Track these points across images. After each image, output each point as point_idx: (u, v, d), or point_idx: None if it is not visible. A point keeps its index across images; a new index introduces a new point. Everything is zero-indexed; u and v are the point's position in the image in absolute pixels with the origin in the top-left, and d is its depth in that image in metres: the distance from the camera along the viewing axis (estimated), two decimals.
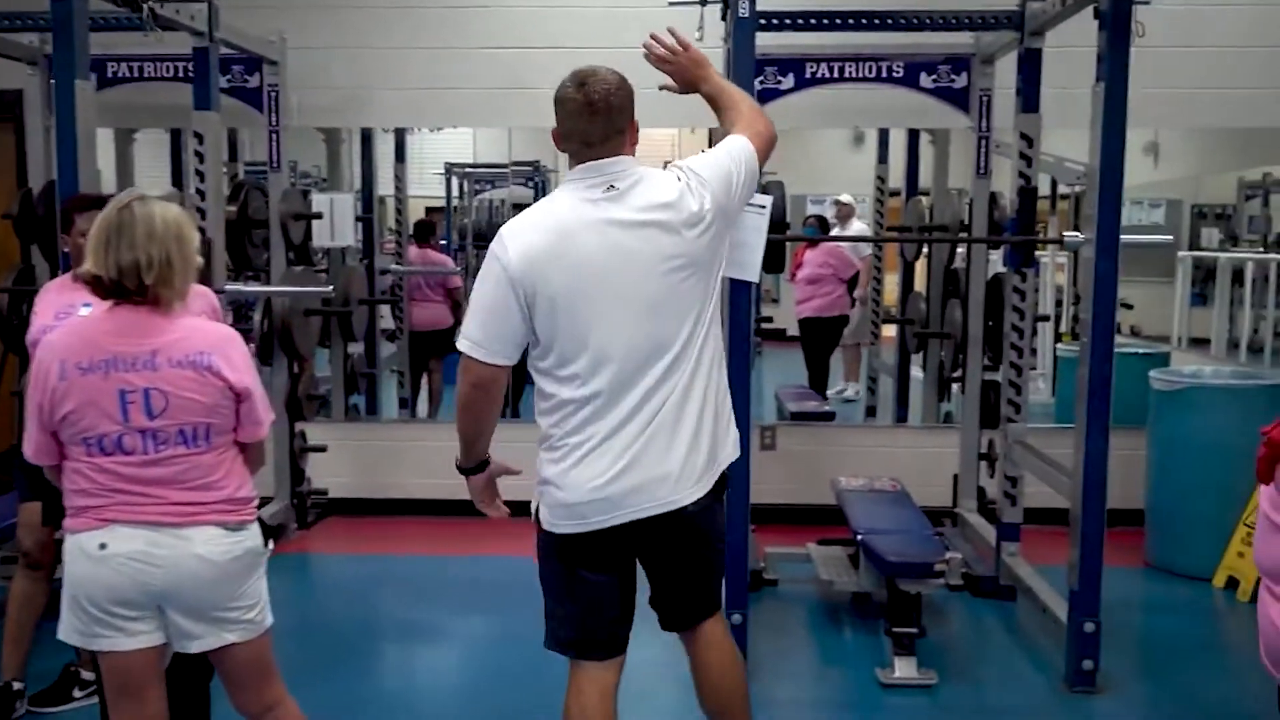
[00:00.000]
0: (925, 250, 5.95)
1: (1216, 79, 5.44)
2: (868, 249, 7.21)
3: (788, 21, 4.44)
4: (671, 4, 4.20)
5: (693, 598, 2.73)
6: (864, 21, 4.54)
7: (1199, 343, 7.85)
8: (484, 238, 8.78)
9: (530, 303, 2.42)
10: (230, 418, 2.45)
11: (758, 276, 3.57)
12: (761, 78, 4.74)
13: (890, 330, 6.70)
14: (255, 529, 2.50)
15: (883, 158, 6.82)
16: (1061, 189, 7.28)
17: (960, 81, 5.06)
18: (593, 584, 2.55)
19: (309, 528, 5.62)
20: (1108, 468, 3.70)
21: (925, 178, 6.43)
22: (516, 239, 2.44)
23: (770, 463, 5.53)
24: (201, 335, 2.42)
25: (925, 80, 5.07)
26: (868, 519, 4.23)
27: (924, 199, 6.10)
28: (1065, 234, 4.60)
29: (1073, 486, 3.75)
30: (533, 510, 2.61)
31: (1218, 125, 5.91)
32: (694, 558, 2.67)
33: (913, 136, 6.42)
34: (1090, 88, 3.66)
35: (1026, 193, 4.52)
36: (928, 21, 4.59)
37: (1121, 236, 3.66)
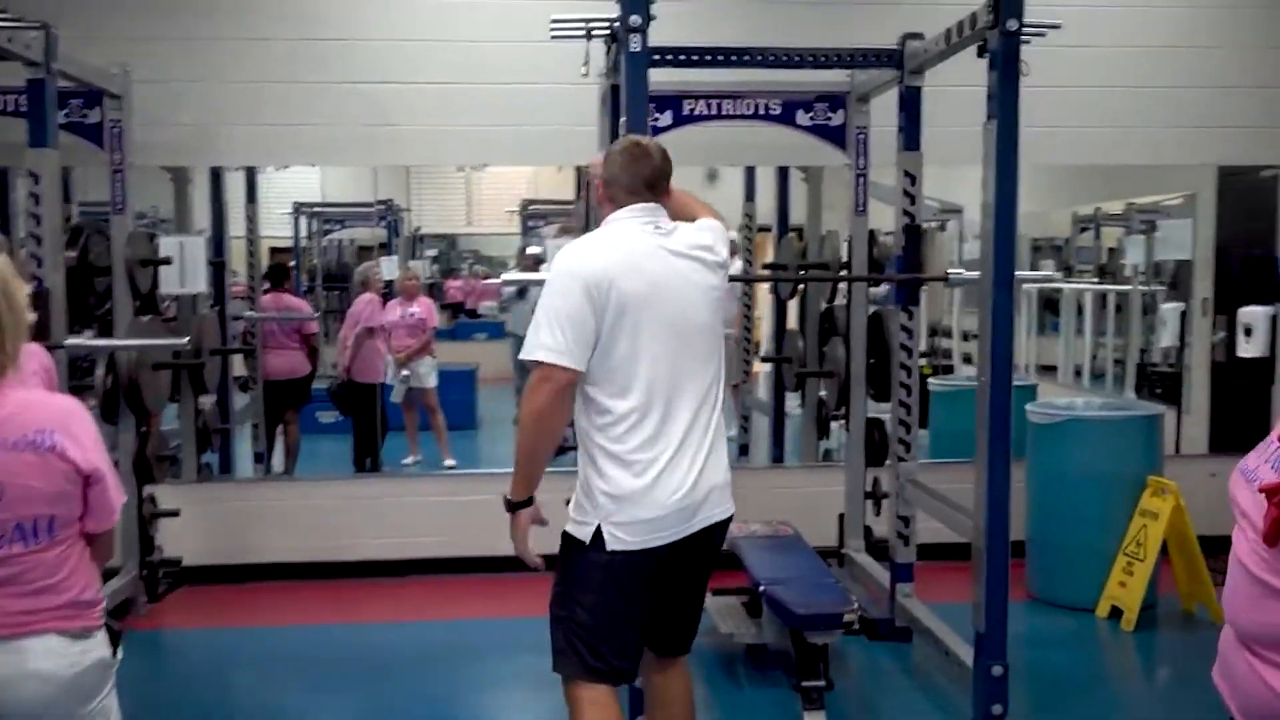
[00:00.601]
0: (800, 288, 5.91)
1: (1058, 118, 5.56)
2: (737, 288, 7.15)
3: (681, 58, 4.33)
4: (555, 38, 4.06)
5: (694, 618, 2.93)
6: (747, 59, 4.47)
7: (1045, 370, 8.09)
8: (335, 279, 8.45)
9: (601, 313, 2.56)
10: (76, 505, 2.08)
11: None
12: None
13: (759, 367, 6.65)
14: (103, 636, 2.15)
15: (750, 195, 6.78)
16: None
17: (837, 119, 5.04)
18: (641, 608, 2.68)
19: (160, 600, 5.17)
20: (1009, 505, 3.67)
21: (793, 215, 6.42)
22: (587, 254, 2.64)
23: None
24: (41, 410, 2.06)
25: (802, 118, 5.04)
26: (767, 568, 4.10)
27: (795, 237, 6.07)
28: (950, 271, 4.65)
29: (975, 526, 3.69)
30: (586, 535, 2.63)
31: (1059, 163, 6.05)
32: (708, 575, 2.90)
33: (783, 174, 6.40)
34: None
35: (912, 230, 4.51)
36: (810, 59, 4.54)
37: (1018, 273, 3.64)
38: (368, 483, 5.93)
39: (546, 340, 2.55)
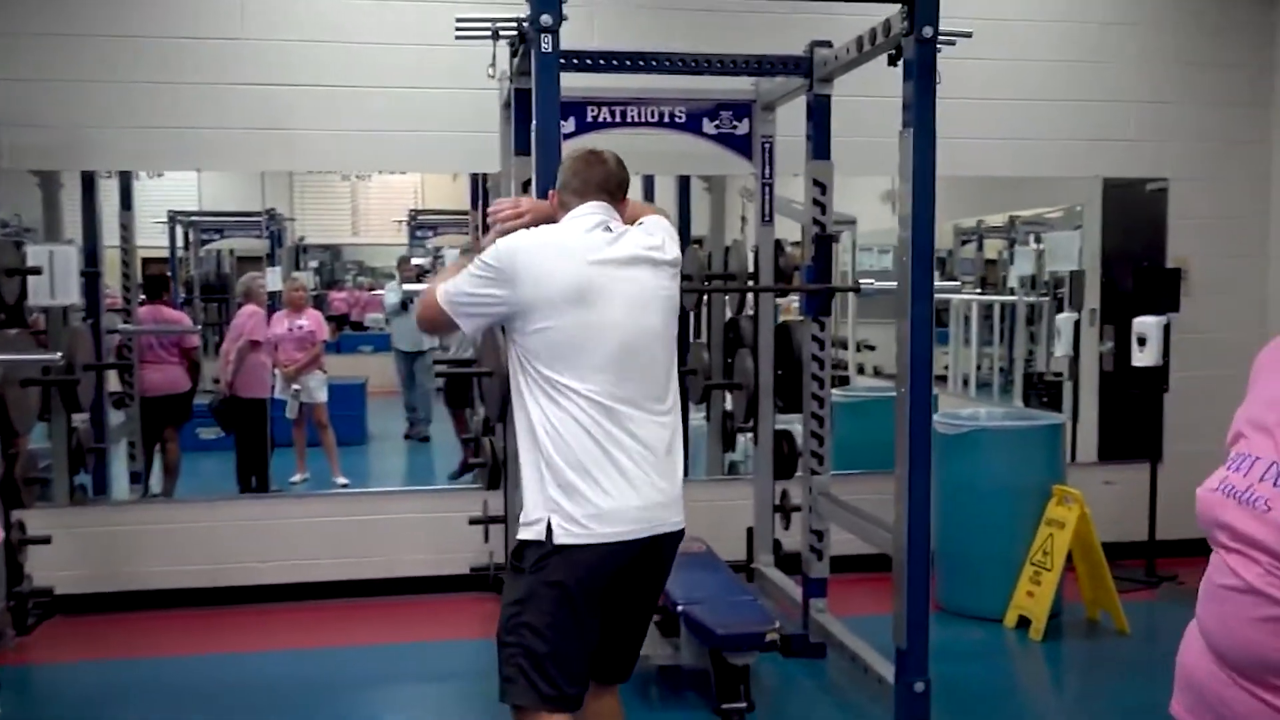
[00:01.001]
0: (705, 299, 5.82)
1: (943, 130, 5.53)
2: None
3: (589, 62, 4.20)
4: (459, 38, 3.89)
5: (638, 642, 2.83)
6: (655, 64, 4.37)
7: (934, 379, 8.18)
8: (214, 291, 8.09)
9: (526, 307, 2.52)
10: None
11: None
12: None
13: None
14: None
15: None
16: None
17: (742, 128, 4.96)
18: (592, 629, 2.58)
19: (30, 633, 4.83)
20: (930, 519, 3.62)
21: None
22: (524, 244, 2.58)
23: None
24: None
25: (708, 126, 4.95)
26: (683, 587, 3.98)
27: (698, 247, 5.99)
28: (862, 281, 4.61)
29: (896, 541, 3.64)
30: (539, 533, 2.52)
31: (945, 174, 6.03)
32: (656, 595, 2.82)
33: (684, 184, 6.31)
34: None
35: (823, 240, 4.46)
36: (718, 65, 4.47)
37: (936, 284, 3.60)
38: (255, 503, 5.63)
39: (452, 287, 2.61)
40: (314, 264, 9.52)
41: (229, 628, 5.11)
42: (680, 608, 3.81)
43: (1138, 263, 6.17)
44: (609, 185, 2.72)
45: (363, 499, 5.75)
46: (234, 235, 7.91)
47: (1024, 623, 4.90)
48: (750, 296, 5.23)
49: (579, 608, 2.53)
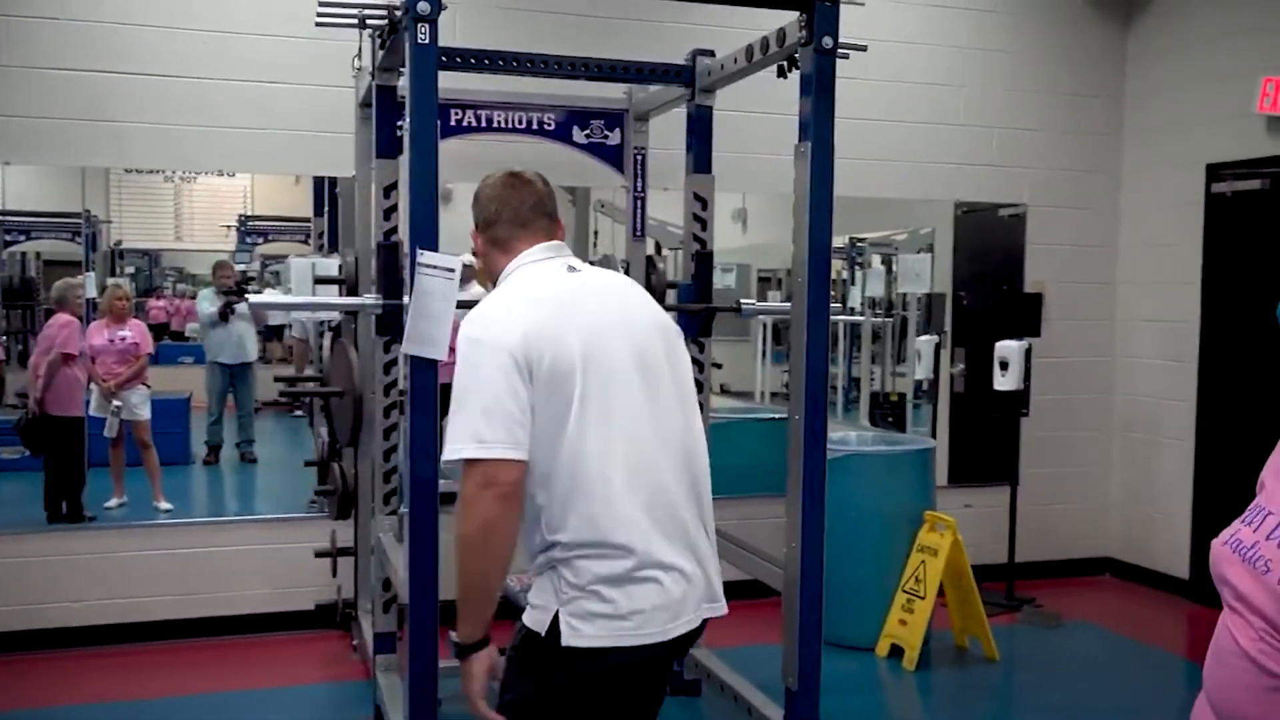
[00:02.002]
0: None
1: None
2: None
3: (456, 60, 3.90)
4: (320, 24, 3.55)
5: None
6: (531, 66, 4.11)
7: (777, 396, 8.16)
8: (17, 295, 7.40)
9: (535, 378, 2.05)
10: None
11: (444, 353, 3.01)
12: (401, 124, 4.14)
13: None
14: None
15: None
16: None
17: (614, 138, 4.75)
18: None
19: None
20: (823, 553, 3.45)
21: None
22: (505, 315, 2.12)
23: None
24: None
25: (578, 135, 4.72)
26: None
27: None
28: (742, 301, 4.45)
29: (788, 575, 3.45)
30: (546, 626, 2.06)
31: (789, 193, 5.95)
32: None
33: None
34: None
35: (703, 257, 4.27)
36: (596, 70, 4.24)
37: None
38: (69, 535, 5.07)
39: (468, 431, 2.01)
40: (130, 270, 8.86)
41: (39, 677, 4.56)
42: None
43: (990, 287, 6.24)
44: (544, 215, 2.35)
45: (192, 529, 5.26)
46: (42, 237, 7.25)
47: (896, 651, 4.82)
48: None
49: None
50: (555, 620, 2.05)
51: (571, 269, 2.29)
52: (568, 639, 2.04)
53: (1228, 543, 1.57)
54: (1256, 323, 5.57)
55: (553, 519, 2.09)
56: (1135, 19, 6.28)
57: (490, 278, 2.40)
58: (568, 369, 2.06)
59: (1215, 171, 5.82)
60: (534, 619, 2.09)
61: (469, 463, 2.01)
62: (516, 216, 2.33)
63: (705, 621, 2.24)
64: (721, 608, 2.27)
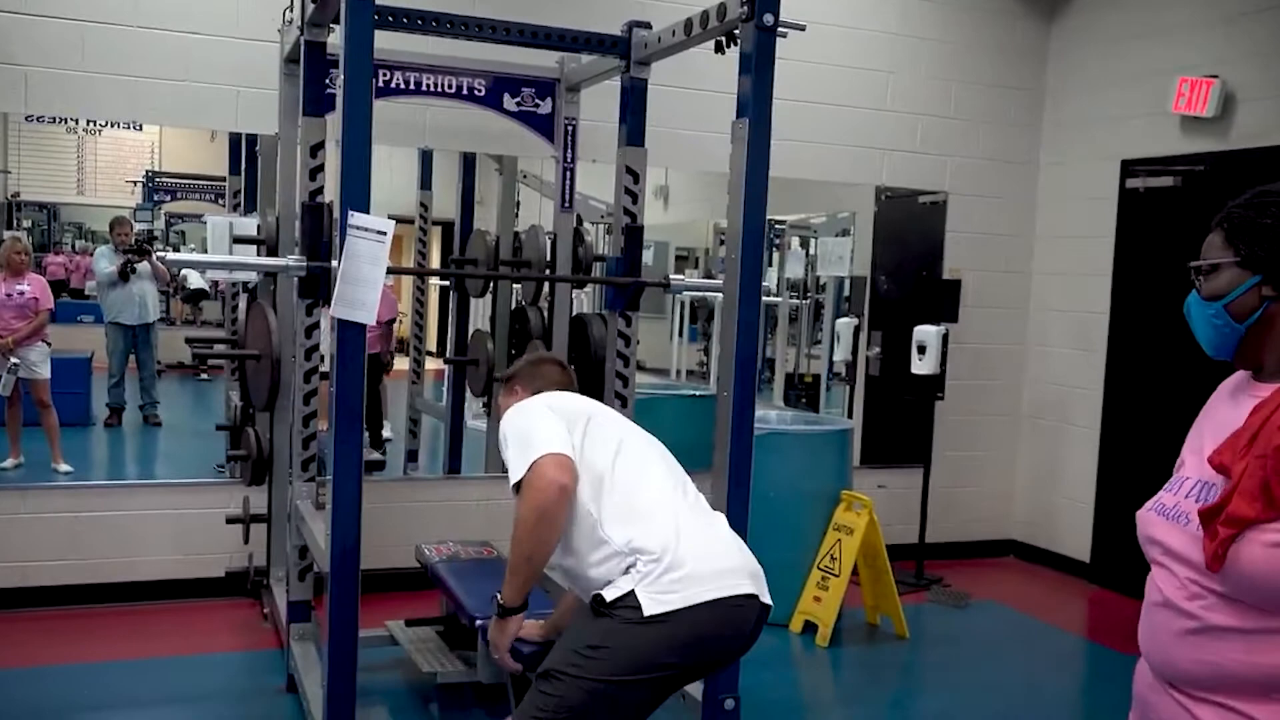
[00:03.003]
0: (491, 286, 5.51)
1: (715, 126, 5.31)
2: (408, 282, 6.66)
3: (389, 19, 3.78)
4: None
5: None
6: (464, 29, 4.01)
7: (693, 374, 8.21)
8: None
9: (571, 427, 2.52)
10: None
11: (374, 318, 2.95)
12: (330, 82, 4.03)
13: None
14: None
15: (426, 183, 6.29)
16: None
17: (545, 108, 4.70)
18: (654, 700, 2.41)
19: None
20: (747, 529, 3.46)
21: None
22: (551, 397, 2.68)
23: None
24: None
25: (509, 103, 4.66)
26: (478, 598, 3.66)
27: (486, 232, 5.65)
28: (670, 276, 4.43)
29: None
30: (614, 597, 2.32)
31: (712, 170, 5.93)
32: None
33: (468, 162, 5.95)
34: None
35: (633, 231, 4.24)
36: (531, 36, 4.16)
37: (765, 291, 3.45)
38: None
39: (541, 438, 2.41)
40: (27, 224, 8.54)
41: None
42: (480, 622, 3.50)
43: (908, 272, 6.32)
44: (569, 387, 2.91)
45: (94, 492, 5.08)
46: None
47: (810, 628, 4.88)
48: (546, 287, 4.96)
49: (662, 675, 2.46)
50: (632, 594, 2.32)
51: None
52: (649, 609, 2.29)
53: (1151, 508, 1.71)
54: (1164, 316, 5.73)
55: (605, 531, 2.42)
56: (1059, 15, 6.39)
57: None
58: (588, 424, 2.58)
59: (1129, 168, 5.96)
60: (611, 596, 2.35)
61: (532, 466, 2.35)
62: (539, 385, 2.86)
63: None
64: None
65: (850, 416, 6.28)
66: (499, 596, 2.49)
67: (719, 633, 2.42)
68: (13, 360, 5.73)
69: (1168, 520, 1.66)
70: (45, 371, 6.01)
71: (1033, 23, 6.40)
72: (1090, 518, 6.13)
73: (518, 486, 2.38)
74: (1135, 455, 5.90)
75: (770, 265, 7.66)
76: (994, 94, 6.33)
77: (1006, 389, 6.54)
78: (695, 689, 3.54)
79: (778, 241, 7.65)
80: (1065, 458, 6.33)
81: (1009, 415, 6.58)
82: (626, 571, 2.36)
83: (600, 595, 2.35)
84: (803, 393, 7.34)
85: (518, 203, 6.14)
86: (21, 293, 5.94)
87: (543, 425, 2.46)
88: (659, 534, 2.39)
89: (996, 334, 6.46)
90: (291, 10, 3.64)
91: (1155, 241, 5.83)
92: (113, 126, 6.91)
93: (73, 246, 9.19)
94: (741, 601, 2.41)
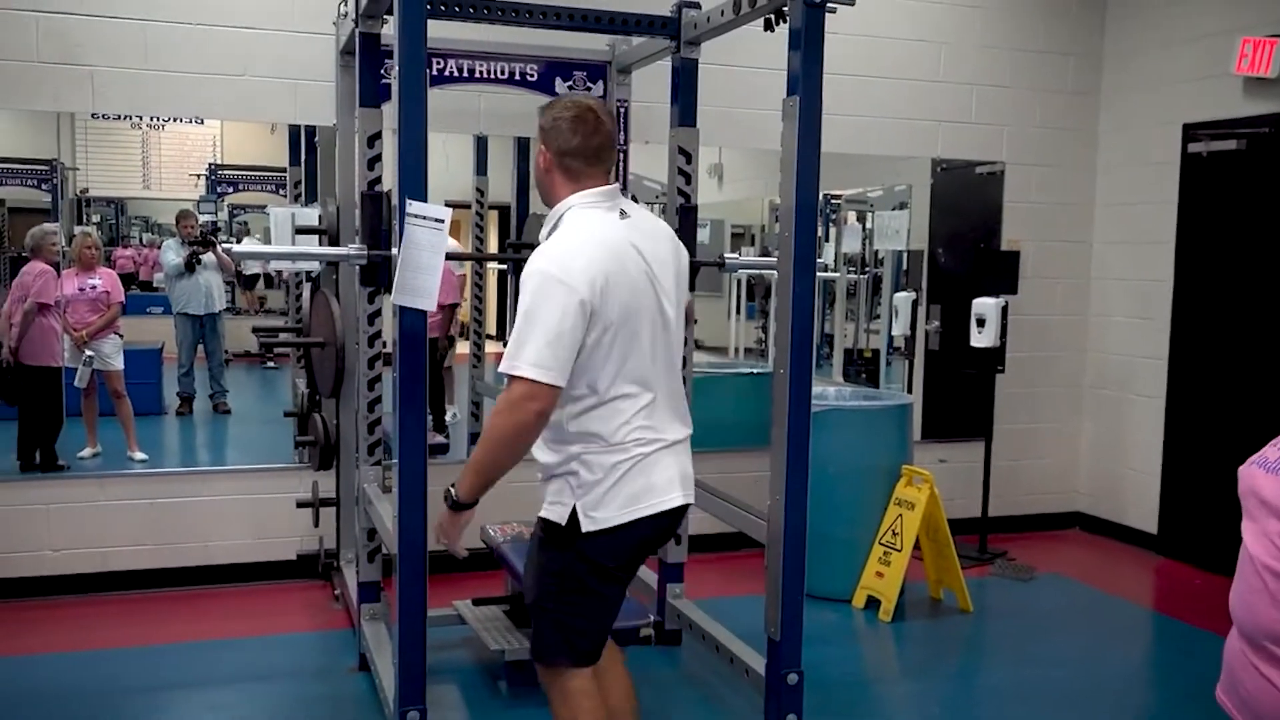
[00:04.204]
0: None
1: (771, 104, 5.40)
2: (461, 267, 6.73)
3: (441, 9, 3.83)
4: None
5: None
6: (515, 15, 4.05)
7: (750, 352, 8.21)
8: None
9: (593, 322, 2.46)
10: None
11: (434, 304, 3.00)
12: (385, 72, 4.10)
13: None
14: None
15: (481, 168, 6.36)
16: None
17: (597, 90, 4.75)
18: (618, 593, 2.69)
19: None
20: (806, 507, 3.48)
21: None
22: (578, 260, 2.45)
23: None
24: None
25: (561, 87, 4.72)
26: None
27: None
28: (726, 255, 4.45)
29: (771, 530, 3.48)
30: (563, 516, 2.56)
31: (767, 148, 5.93)
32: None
33: (522, 147, 6.01)
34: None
35: (687, 211, 4.26)
36: (579, 20, 4.18)
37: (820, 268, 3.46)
38: (46, 484, 5.03)
39: (534, 355, 2.40)
40: (96, 218, 8.75)
41: (18, 626, 4.55)
42: None
43: (966, 244, 6.27)
44: (611, 154, 2.66)
45: (170, 479, 5.23)
46: (6, 184, 7.14)
47: (872, 603, 4.89)
48: None
49: (612, 573, 2.68)
50: (574, 512, 2.54)
51: (624, 213, 2.62)
52: (586, 526, 2.54)
53: (1254, 462, 1.76)
54: (1229, 282, 5.65)
55: (572, 428, 2.54)
56: None
57: (547, 197, 2.73)
58: (613, 316, 2.49)
59: (1191, 132, 5.86)
60: (555, 513, 2.58)
61: (525, 379, 2.38)
62: (590, 152, 2.62)
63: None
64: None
65: (910, 391, 6.27)
66: (454, 490, 2.54)
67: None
68: (87, 353, 5.89)
69: (1268, 472, 1.70)
70: (119, 363, 6.17)
71: None
72: (1157, 488, 6.07)
73: (506, 375, 2.45)
74: (1202, 424, 5.82)
75: (827, 240, 7.65)
76: (1050, 61, 6.25)
77: (1068, 360, 6.48)
78: (757, 664, 3.58)
79: (834, 216, 7.62)
80: (1130, 428, 6.26)
81: (1071, 387, 6.52)
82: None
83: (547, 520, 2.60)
84: (862, 368, 7.32)
85: None
86: (93, 287, 6.10)
87: (559, 328, 2.41)
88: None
89: (1057, 305, 6.40)
90: (346, 3, 3.69)
91: (1220, 206, 5.73)
92: (176, 121, 7.05)
93: (140, 240, 9.39)
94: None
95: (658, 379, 2.62)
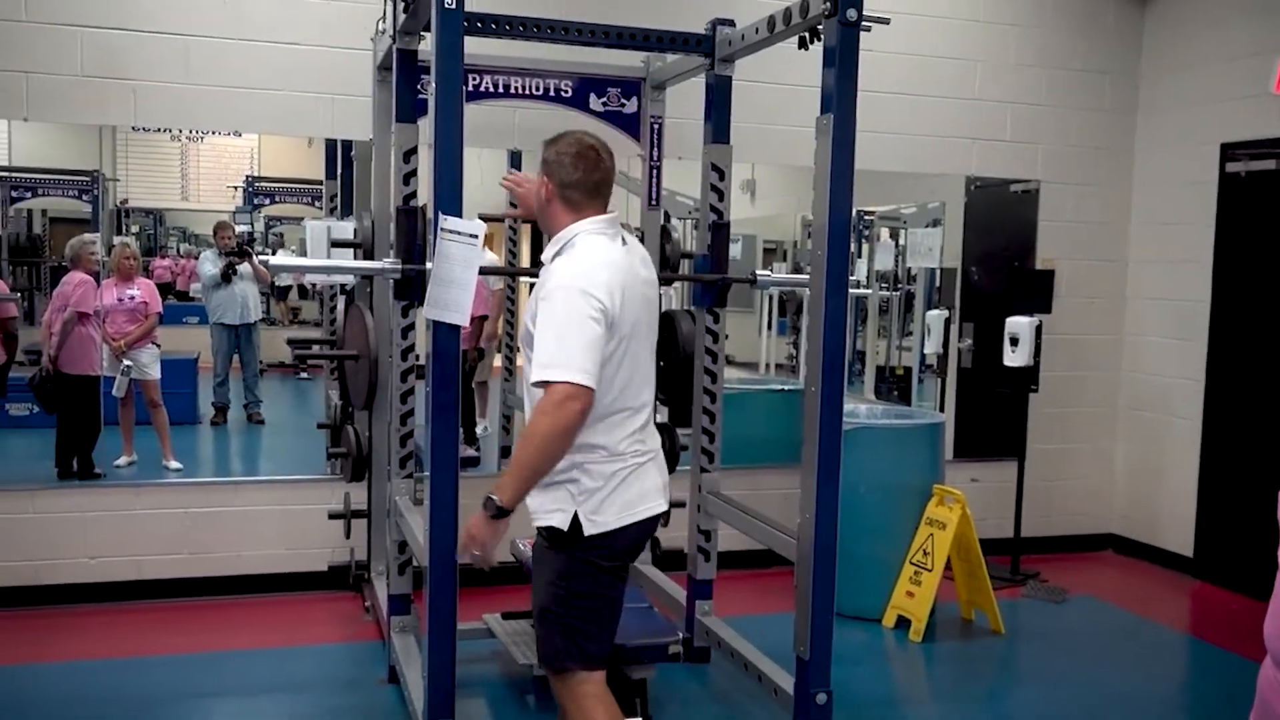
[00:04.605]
0: None
1: (807, 120, 5.41)
2: (496, 282, 6.75)
3: (478, 25, 3.87)
4: None
5: None
6: (550, 32, 4.09)
7: (782, 368, 8.19)
8: (24, 253, 7.40)
9: (612, 332, 2.65)
10: None
11: (467, 319, 3.02)
12: (421, 88, 4.13)
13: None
14: None
15: None
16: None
17: (631, 107, 4.76)
18: (620, 592, 2.84)
19: None
20: (837, 525, 3.47)
21: None
22: (600, 276, 2.66)
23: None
24: None
25: (595, 103, 4.73)
26: None
27: None
28: (758, 271, 4.45)
29: (801, 548, 3.47)
30: (565, 522, 2.70)
31: (800, 164, 5.93)
32: None
33: None
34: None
35: (719, 228, 4.27)
36: (616, 38, 4.21)
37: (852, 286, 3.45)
38: (82, 492, 5.09)
39: (574, 360, 2.55)
40: (135, 229, 8.87)
41: (53, 633, 4.61)
42: None
43: (1000, 262, 6.24)
44: (609, 190, 2.85)
45: (204, 489, 5.27)
46: (48, 194, 7.25)
47: (902, 623, 4.86)
48: None
49: (617, 574, 2.84)
50: (575, 518, 2.71)
51: (623, 242, 2.83)
52: (588, 530, 2.70)
53: None
54: (1268, 303, 5.60)
55: (577, 439, 2.64)
56: None
57: (548, 224, 2.88)
58: (625, 330, 2.70)
59: (1230, 151, 5.81)
60: (557, 520, 2.72)
61: (567, 382, 2.52)
62: (590, 186, 2.80)
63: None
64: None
65: (942, 410, 6.23)
66: (497, 498, 2.59)
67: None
68: (125, 362, 5.97)
69: None
70: (156, 372, 6.25)
71: (1126, 6, 6.26)
72: (1193, 510, 6.00)
73: (539, 383, 2.58)
74: (1239, 446, 5.75)
75: (860, 257, 7.63)
76: (1086, 79, 6.22)
77: (1103, 380, 6.42)
78: (786, 683, 3.57)
79: (867, 233, 7.60)
80: (1166, 450, 6.19)
81: (1106, 407, 6.46)
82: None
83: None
84: (894, 385, 7.29)
85: None
86: (132, 297, 6.18)
87: (590, 336, 2.58)
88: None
89: (1092, 324, 6.35)
90: (384, 20, 3.73)
91: (1259, 226, 5.67)
92: (215, 134, 7.15)
93: (178, 250, 9.53)
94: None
95: (650, 393, 2.86)
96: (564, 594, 2.74)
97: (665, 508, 2.88)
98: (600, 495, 2.71)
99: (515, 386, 6.64)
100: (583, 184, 2.79)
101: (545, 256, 2.84)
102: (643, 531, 2.83)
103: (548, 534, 2.76)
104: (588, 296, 2.59)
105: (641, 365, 2.80)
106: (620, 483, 2.73)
